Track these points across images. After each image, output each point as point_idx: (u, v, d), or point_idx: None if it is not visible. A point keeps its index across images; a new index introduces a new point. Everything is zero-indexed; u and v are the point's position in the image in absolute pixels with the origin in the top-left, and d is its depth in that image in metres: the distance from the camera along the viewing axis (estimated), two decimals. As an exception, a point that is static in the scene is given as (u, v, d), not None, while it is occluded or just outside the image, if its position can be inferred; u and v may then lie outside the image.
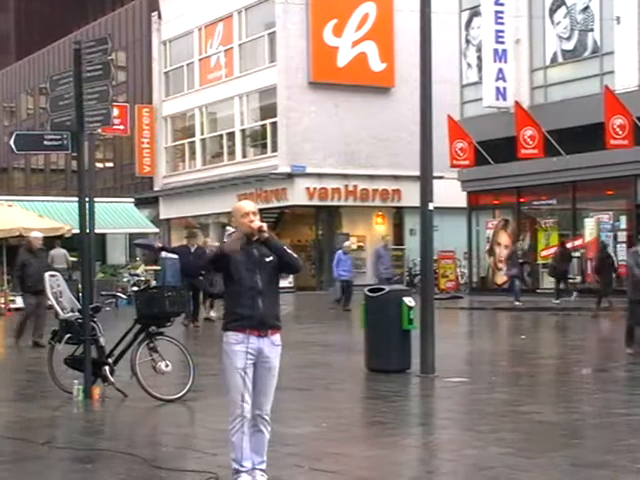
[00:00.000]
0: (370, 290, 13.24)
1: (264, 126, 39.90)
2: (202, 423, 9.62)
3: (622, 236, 27.00)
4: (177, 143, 45.93)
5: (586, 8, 27.53)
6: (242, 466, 6.47)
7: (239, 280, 6.54)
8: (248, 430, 6.47)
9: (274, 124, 38.59)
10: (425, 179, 12.90)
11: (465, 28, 31.63)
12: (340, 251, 26.33)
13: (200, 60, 43.22)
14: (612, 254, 25.18)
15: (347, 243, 27.97)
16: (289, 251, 6.86)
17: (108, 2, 57.56)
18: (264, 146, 39.97)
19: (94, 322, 11.11)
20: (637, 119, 24.90)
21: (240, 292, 6.56)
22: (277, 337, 6.80)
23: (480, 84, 29.99)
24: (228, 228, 5.87)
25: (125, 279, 30.99)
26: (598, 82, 26.94)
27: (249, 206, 6.66)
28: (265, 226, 6.61)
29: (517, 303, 25.80)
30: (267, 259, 6.68)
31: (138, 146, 45.65)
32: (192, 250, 21.10)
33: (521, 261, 26.52)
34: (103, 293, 14.91)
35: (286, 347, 18.26)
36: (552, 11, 28.55)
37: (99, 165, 46.49)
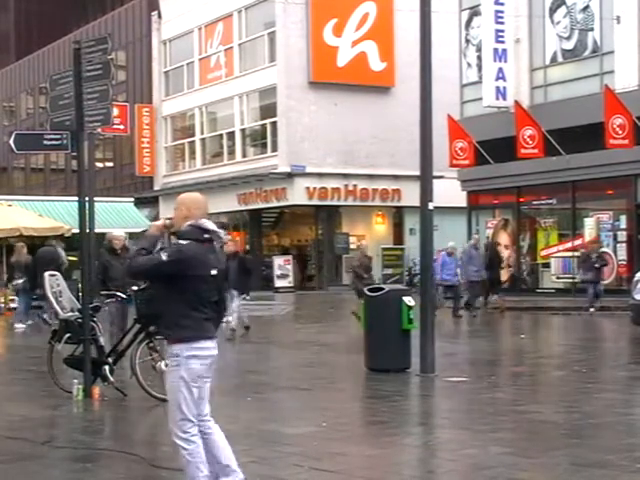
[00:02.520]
0: (370, 290, 13.24)
1: (264, 126, 39.91)
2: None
3: (622, 236, 27.02)
4: (177, 143, 45.93)
5: (586, 7, 27.52)
6: None
7: None
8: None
9: (274, 124, 38.60)
10: (425, 179, 12.91)
11: (465, 27, 31.62)
12: (444, 252, 23.69)
13: (200, 60, 43.23)
14: (501, 253, 26.13)
15: (451, 244, 24.68)
16: (132, 253, 6.29)
17: (108, 1, 57.53)
18: (264, 146, 39.98)
19: (94, 322, 11.11)
20: (637, 119, 24.90)
21: None
22: (172, 347, 6.08)
23: (480, 84, 29.99)
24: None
25: (125, 279, 30.95)
26: (598, 82, 26.93)
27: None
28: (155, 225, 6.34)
29: (591, 309, 23.44)
30: None
31: (138, 146, 45.66)
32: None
33: (597, 265, 24.16)
34: (103, 292, 14.86)
35: (286, 347, 18.22)
36: (552, 10, 28.54)
37: (99, 165, 46.51)
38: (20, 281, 22.67)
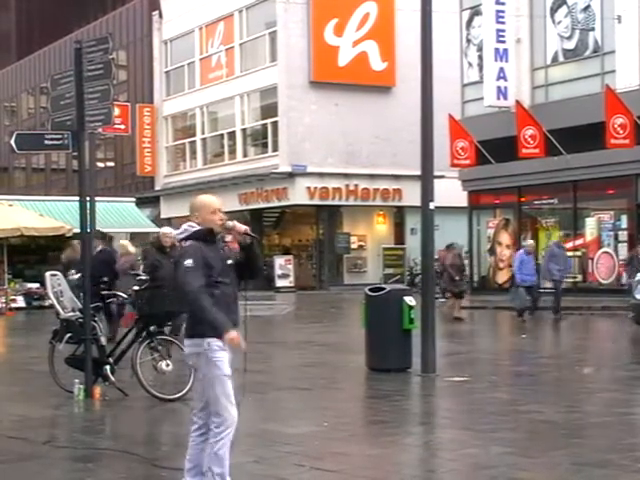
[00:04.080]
0: (371, 289, 13.24)
1: (265, 125, 39.92)
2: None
3: (623, 235, 27.01)
4: (178, 142, 45.94)
5: (587, 7, 27.51)
6: None
7: (218, 286, 6.03)
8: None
9: (275, 123, 38.60)
10: (426, 178, 12.90)
11: (466, 27, 31.62)
12: (521, 251, 22.75)
13: (201, 59, 43.23)
14: (464, 256, 25.52)
15: (530, 242, 23.86)
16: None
17: (109, 1, 57.56)
18: (265, 145, 39.99)
19: (95, 321, 11.12)
20: (638, 118, 24.89)
21: (219, 299, 6.01)
22: None
23: (481, 83, 29.98)
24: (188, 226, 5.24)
25: (126, 278, 30.97)
26: (599, 81, 26.93)
27: (217, 202, 6.13)
28: (249, 230, 6.18)
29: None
30: (229, 262, 6.16)
31: (139, 145, 45.66)
32: (94, 253, 17.75)
33: None
34: (104, 292, 14.88)
35: (287, 347, 18.20)
36: (553, 10, 28.54)
37: (100, 165, 46.52)
38: (76, 277, 22.58)
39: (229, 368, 6.05)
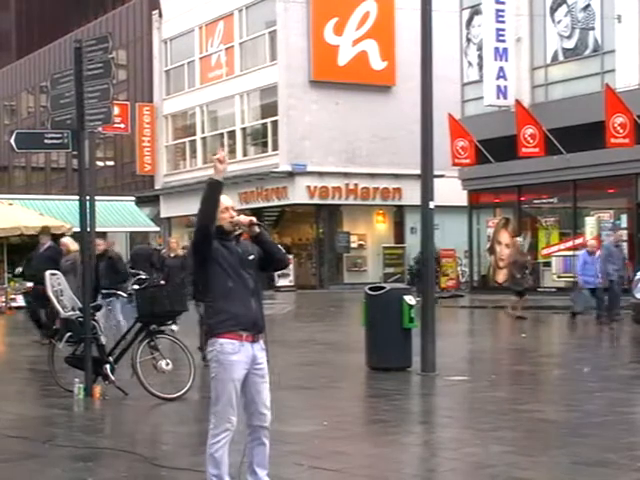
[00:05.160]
0: (371, 288, 13.24)
1: (265, 124, 39.91)
2: (203, 421, 9.61)
3: (623, 235, 26.97)
4: (178, 141, 45.93)
5: (587, 6, 27.51)
6: None
7: (231, 278, 5.96)
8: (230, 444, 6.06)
9: (275, 122, 38.60)
10: (426, 177, 12.91)
11: (466, 26, 31.62)
12: (584, 251, 21.29)
13: (201, 58, 43.22)
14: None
15: (592, 241, 22.32)
16: (279, 246, 6.34)
17: (109, 0, 57.52)
18: (265, 144, 39.98)
19: (94, 320, 11.12)
20: (638, 117, 24.89)
21: (232, 292, 5.94)
22: (262, 340, 6.16)
23: (481, 82, 29.99)
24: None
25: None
26: (599, 80, 26.93)
27: (228, 201, 6.08)
28: (255, 219, 6.13)
29: None
30: (250, 257, 6.07)
31: (139, 144, 45.65)
32: (42, 250, 17.62)
33: None
34: (104, 291, 14.87)
35: (287, 346, 18.16)
36: (553, 9, 28.54)
37: (100, 164, 46.53)
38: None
39: (241, 371, 5.97)
